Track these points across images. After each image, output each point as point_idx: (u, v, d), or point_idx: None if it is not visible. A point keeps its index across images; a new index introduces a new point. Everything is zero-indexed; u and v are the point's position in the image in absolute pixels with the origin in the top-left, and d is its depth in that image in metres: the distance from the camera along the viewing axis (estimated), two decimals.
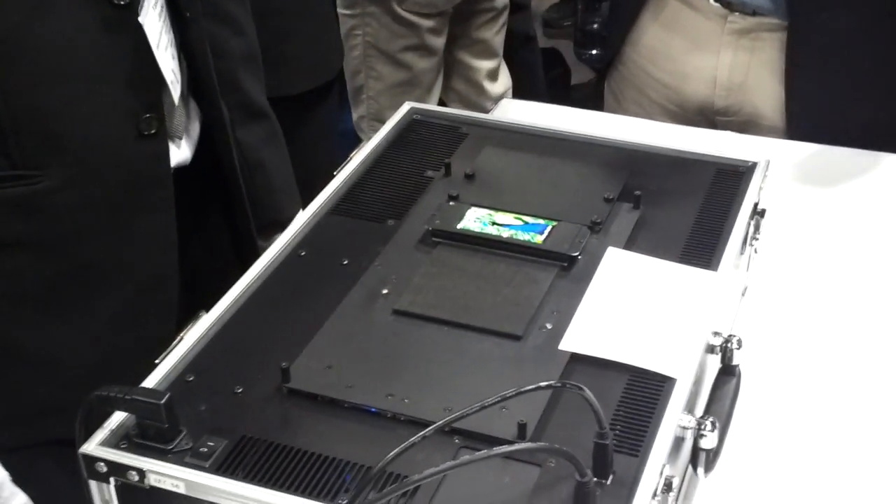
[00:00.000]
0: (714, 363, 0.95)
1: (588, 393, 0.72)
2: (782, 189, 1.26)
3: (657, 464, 0.77)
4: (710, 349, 0.93)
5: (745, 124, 1.44)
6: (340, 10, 1.92)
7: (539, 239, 0.97)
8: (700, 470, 0.88)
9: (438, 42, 1.98)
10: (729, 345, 0.94)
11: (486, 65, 2.13)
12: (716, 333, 0.93)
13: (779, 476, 0.96)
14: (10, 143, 0.92)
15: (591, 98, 1.74)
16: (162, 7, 1.01)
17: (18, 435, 1.01)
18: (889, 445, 0.99)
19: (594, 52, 1.65)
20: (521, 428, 0.77)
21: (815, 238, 1.24)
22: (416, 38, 1.93)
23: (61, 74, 0.92)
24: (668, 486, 0.76)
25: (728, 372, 0.95)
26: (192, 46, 1.07)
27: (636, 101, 1.55)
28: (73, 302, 1.00)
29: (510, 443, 0.76)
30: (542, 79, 2.72)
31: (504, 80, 2.20)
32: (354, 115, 2.04)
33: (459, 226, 0.99)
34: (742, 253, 1.05)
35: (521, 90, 2.31)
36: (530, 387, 0.72)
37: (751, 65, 1.41)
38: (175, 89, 1.03)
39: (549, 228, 0.99)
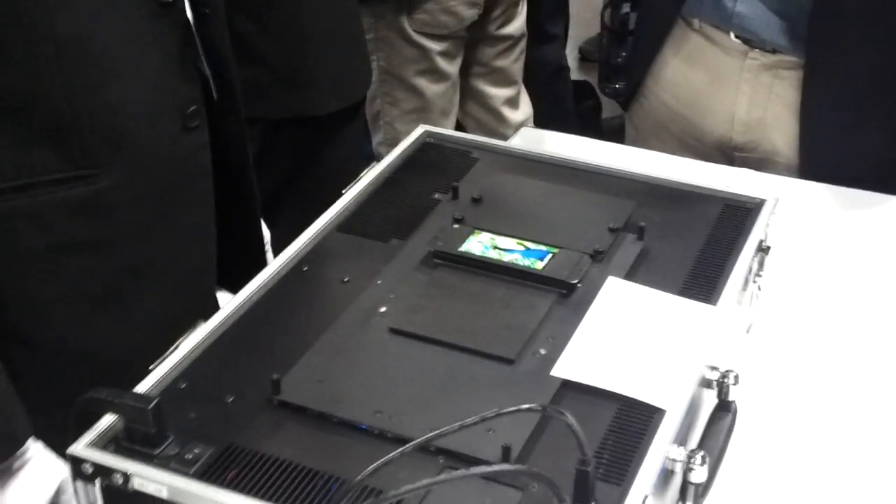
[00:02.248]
0: (711, 398, 0.95)
1: (570, 418, 0.71)
2: (794, 228, 1.25)
3: (639, 494, 0.76)
4: (707, 383, 0.92)
5: (762, 161, 1.44)
6: None
7: (539, 265, 0.98)
8: (689, 503, 0.87)
9: (450, 67, 1.99)
10: (725, 380, 0.93)
11: (504, 93, 2.14)
12: (712, 368, 0.93)
13: None
14: (73, 143, 0.94)
15: (621, 132, 1.75)
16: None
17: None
18: (887, 487, 0.97)
19: (617, 85, 1.65)
20: (506, 451, 0.77)
21: (825, 279, 1.23)
22: (427, 62, 1.95)
23: (119, 72, 0.95)
24: None
25: (724, 407, 0.95)
26: (212, 43, 1.06)
27: (656, 134, 1.55)
28: (125, 300, 1.01)
29: (490, 464, 0.76)
30: (572, 110, 2.71)
31: (525, 108, 2.21)
32: (374, 141, 2.06)
33: (461, 248, 1.00)
34: (745, 289, 1.04)
35: (550, 120, 2.31)
36: (511, 408, 0.72)
37: (769, 102, 1.41)
38: (213, 83, 1.05)
39: (550, 255, 0.99)
